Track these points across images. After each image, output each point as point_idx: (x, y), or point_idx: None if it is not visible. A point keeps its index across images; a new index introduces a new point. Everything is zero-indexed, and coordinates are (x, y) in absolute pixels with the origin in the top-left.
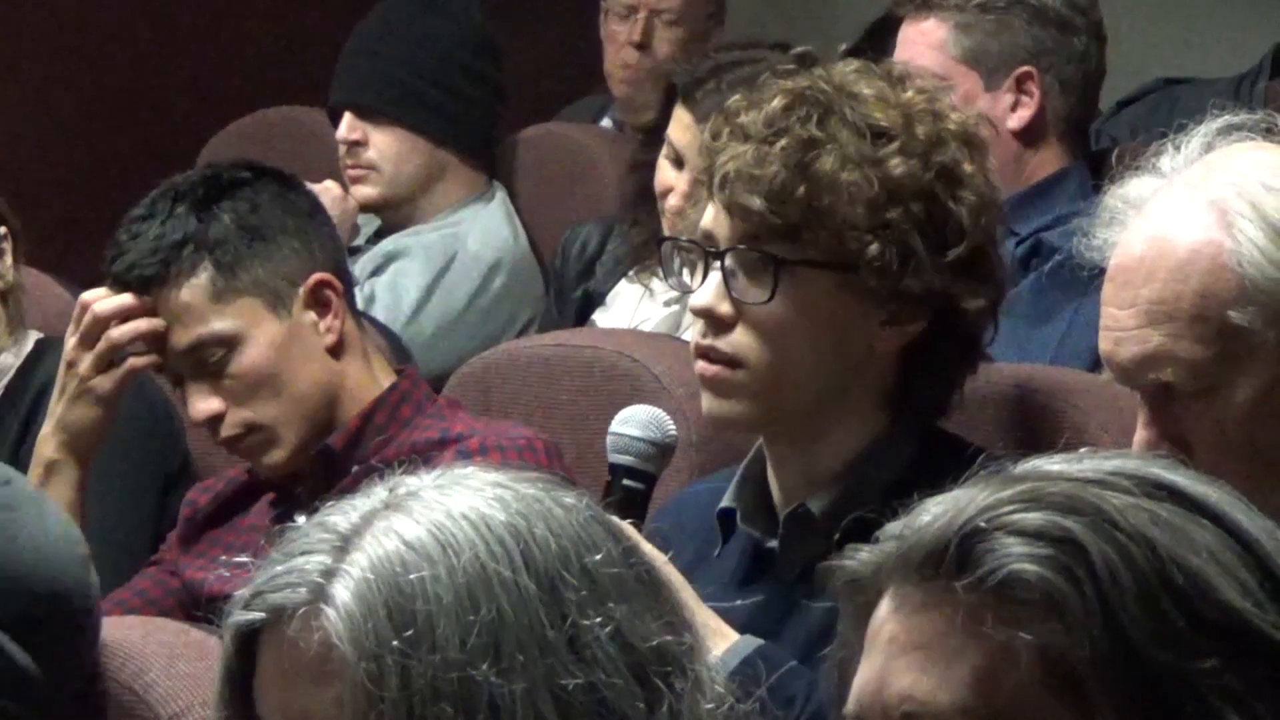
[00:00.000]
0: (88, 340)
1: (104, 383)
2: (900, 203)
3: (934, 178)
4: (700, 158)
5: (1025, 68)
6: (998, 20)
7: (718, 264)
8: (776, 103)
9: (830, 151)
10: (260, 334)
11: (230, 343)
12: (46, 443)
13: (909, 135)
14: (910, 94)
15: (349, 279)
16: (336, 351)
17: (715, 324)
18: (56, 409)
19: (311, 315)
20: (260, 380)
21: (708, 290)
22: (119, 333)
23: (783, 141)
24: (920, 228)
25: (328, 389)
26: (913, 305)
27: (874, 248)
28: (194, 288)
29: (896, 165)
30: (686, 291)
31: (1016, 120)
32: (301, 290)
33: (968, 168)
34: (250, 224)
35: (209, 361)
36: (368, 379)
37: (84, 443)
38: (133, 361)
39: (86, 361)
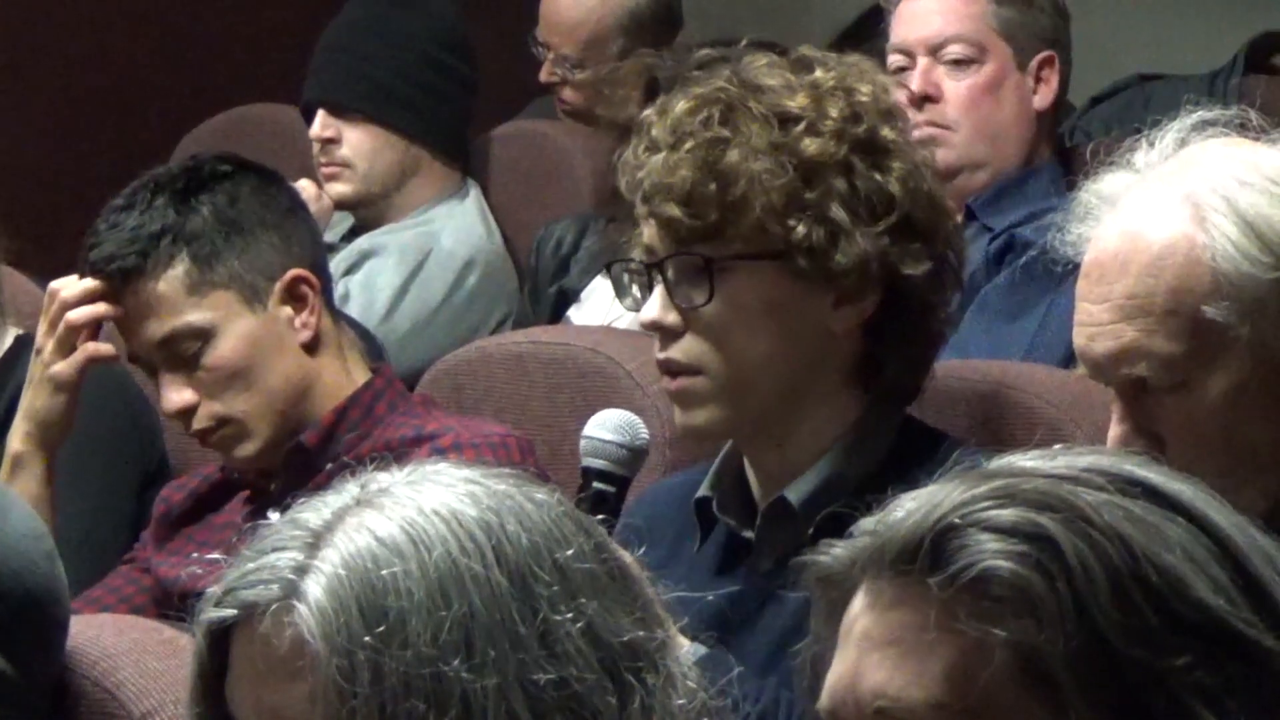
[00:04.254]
0: (52, 326)
1: (63, 369)
2: (818, 181)
3: (850, 151)
4: (624, 175)
5: (1049, 52)
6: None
7: (660, 276)
8: (680, 109)
9: (736, 146)
10: (235, 327)
11: (205, 335)
12: (14, 434)
13: (819, 114)
14: (818, 74)
15: (327, 276)
16: (312, 348)
17: (666, 335)
18: (25, 398)
19: (287, 311)
20: (233, 374)
21: (653, 303)
22: (76, 315)
23: (689, 145)
24: (844, 202)
25: (301, 385)
26: (855, 281)
27: (799, 230)
28: (170, 279)
29: (808, 145)
30: (639, 309)
31: (1040, 100)
32: (278, 285)
33: (888, 135)
34: (229, 217)
35: (183, 353)
36: (343, 376)
37: (49, 433)
38: (89, 347)
39: (48, 347)
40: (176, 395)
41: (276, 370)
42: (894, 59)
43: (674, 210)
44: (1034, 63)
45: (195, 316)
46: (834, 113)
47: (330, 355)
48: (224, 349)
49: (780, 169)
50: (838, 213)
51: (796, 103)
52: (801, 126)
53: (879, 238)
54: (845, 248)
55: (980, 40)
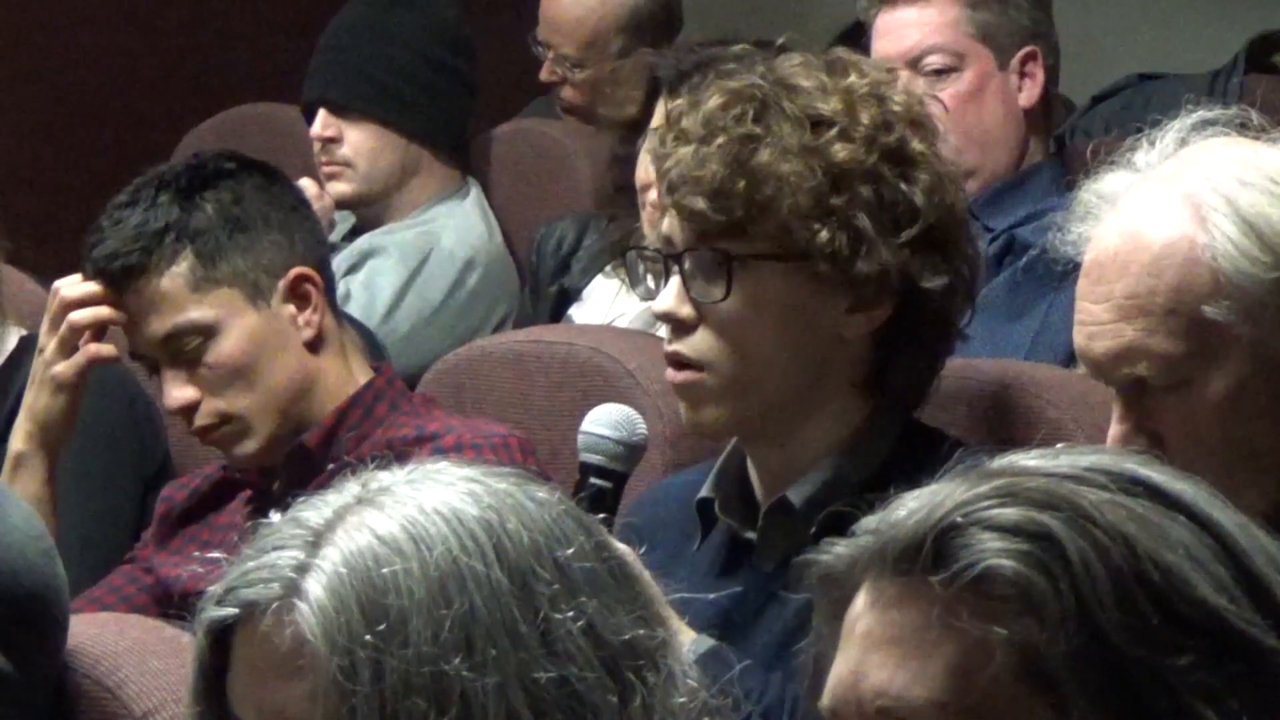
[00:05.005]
0: (54, 326)
1: (65, 370)
2: (846, 188)
3: (879, 160)
4: (652, 164)
5: (1030, 47)
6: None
7: (677, 267)
8: (713, 103)
9: (768, 145)
10: (238, 325)
11: (207, 332)
12: (16, 434)
13: (851, 120)
14: (852, 79)
15: (331, 275)
16: (314, 346)
17: (679, 327)
18: (27, 398)
19: (290, 309)
20: (236, 371)
21: (668, 294)
22: (78, 316)
23: (720, 140)
24: (870, 211)
25: (303, 383)
26: (873, 289)
27: (823, 235)
28: (174, 276)
29: (839, 151)
30: (652, 298)
31: (1026, 97)
32: (281, 283)
33: (917, 146)
34: (233, 215)
35: (185, 350)
36: (344, 375)
37: (50, 434)
38: (91, 348)
39: (50, 347)
40: (179, 392)
41: (279, 368)
42: None
43: (700, 203)
44: (1015, 60)
45: (198, 313)
46: (866, 119)
47: (333, 354)
48: (227, 346)
49: (810, 172)
50: (862, 220)
51: (830, 106)
52: (834, 131)
53: (900, 249)
54: (867, 256)
55: (957, 48)
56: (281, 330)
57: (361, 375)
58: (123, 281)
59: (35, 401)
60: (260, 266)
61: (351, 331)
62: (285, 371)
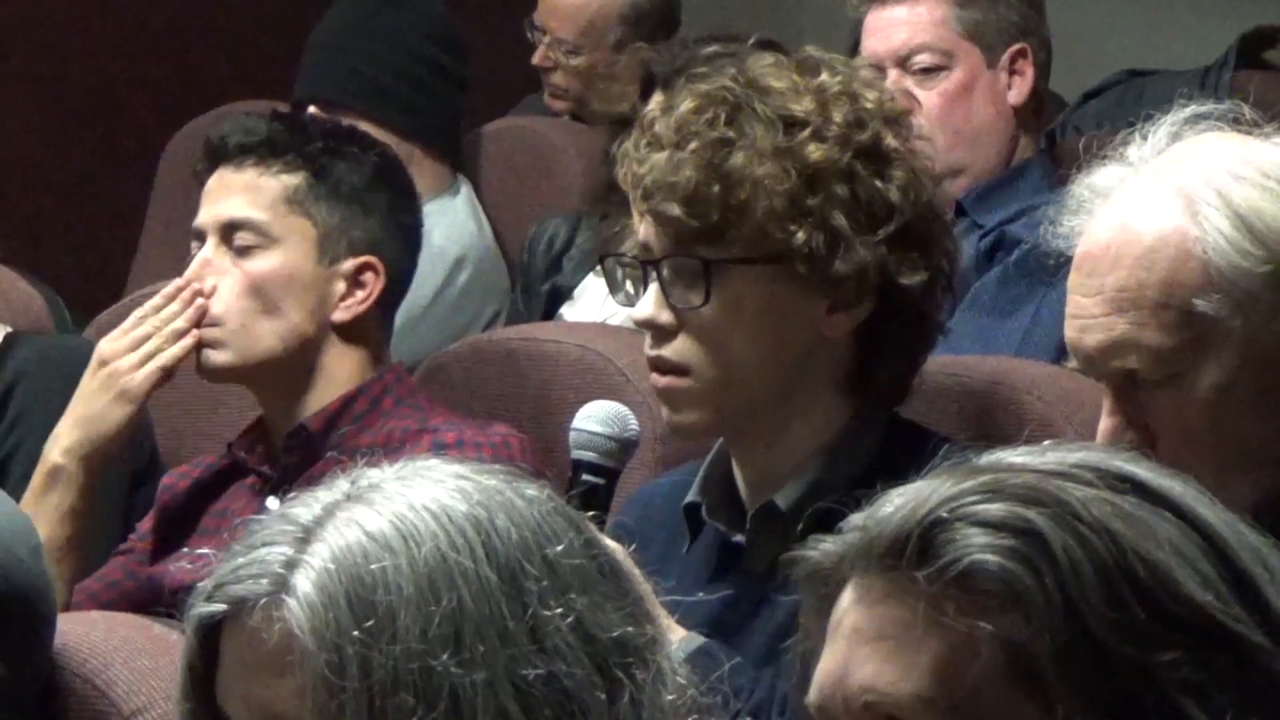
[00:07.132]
0: (134, 344)
1: (136, 380)
2: (821, 188)
3: (854, 158)
4: (623, 169)
5: (1019, 45)
6: None
7: (655, 274)
8: (685, 107)
9: (742, 148)
10: (291, 256)
11: (265, 242)
12: (54, 447)
13: (824, 120)
14: (824, 78)
15: (402, 291)
16: (344, 330)
17: (659, 333)
18: (78, 409)
19: (342, 286)
20: (257, 286)
21: (647, 301)
22: (167, 357)
23: (693, 145)
24: (846, 209)
25: (305, 347)
26: (852, 288)
27: (800, 236)
28: (281, 179)
29: (813, 151)
30: (632, 305)
31: (1016, 95)
32: (351, 261)
33: (891, 143)
34: (355, 183)
35: (238, 244)
36: (362, 367)
37: (98, 445)
38: (159, 360)
39: (128, 359)
40: (210, 271)
41: (291, 315)
42: None
43: (675, 210)
44: (1005, 57)
45: (273, 221)
46: (839, 118)
47: (358, 350)
48: (269, 263)
49: (784, 173)
50: (838, 220)
51: (802, 107)
52: (807, 131)
53: (878, 246)
54: (845, 255)
55: (946, 46)
56: (321, 293)
57: (375, 371)
58: (231, 156)
59: (93, 412)
60: (345, 233)
61: (388, 351)
62: (293, 320)
